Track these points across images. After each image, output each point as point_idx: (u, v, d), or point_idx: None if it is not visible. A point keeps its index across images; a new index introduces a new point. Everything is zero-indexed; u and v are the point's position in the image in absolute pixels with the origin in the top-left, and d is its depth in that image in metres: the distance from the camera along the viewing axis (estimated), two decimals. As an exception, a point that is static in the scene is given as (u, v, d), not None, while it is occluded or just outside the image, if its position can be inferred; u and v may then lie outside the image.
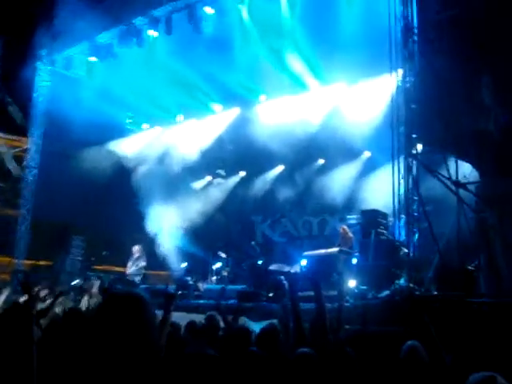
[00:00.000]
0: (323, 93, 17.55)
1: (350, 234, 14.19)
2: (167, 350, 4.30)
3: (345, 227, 14.53)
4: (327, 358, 4.57)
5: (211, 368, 4.05)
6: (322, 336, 5.26)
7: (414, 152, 10.64)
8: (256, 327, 6.78)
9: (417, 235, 10.57)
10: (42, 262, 17.86)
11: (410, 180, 10.50)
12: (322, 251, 13.80)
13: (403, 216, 11.08)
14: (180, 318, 7.66)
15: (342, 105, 16.91)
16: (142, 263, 16.46)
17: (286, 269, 15.46)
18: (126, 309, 2.10)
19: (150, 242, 18.79)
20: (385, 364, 5.21)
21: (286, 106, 18.24)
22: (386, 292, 10.40)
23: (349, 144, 16.09)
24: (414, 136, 10.65)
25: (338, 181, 17.21)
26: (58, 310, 7.94)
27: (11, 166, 20.48)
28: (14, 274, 17.46)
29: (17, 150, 20.80)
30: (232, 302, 13.10)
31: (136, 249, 16.66)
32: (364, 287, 11.21)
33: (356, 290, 11.13)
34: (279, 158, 19.03)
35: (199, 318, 8.05)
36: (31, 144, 19.42)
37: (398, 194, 10.81)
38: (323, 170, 18.73)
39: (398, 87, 10.97)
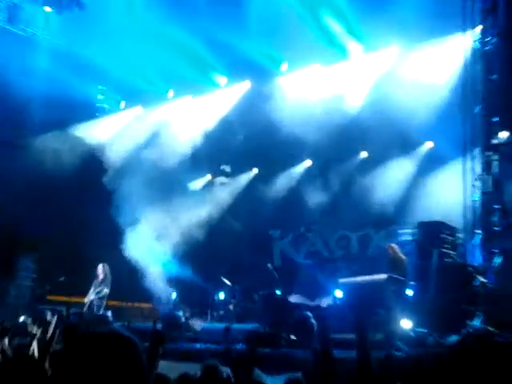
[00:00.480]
0: (368, 61, 17.46)
1: (402, 255, 14.08)
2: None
3: (394, 246, 14.40)
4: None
5: None
6: None
7: (496, 142, 10.50)
8: (271, 381, 6.73)
9: (499, 259, 10.43)
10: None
11: (490, 181, 10.36)
12: (365, 278, 13.70)
13: (479, 231, 10.95)
14: (168, 368, 7.56)
15: (393, 77, 16.78)
16: (105, 290, 16.42)
17: (315, 302, 15.40)
18: (109, 356, 2.05)
19: (128, 263, 18.75)
20: None
21: (316, 78, 18.15)
22: (455, 337, 10.26)
23: (402, 131, 15.97)
24: (494, 120, 10.51)
25: (387, 181, 17.09)
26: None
27: None
28: None
29: None
30: (239, 346, 13.05)
31: (100, 268, 16.64)
32: (423, 330, 11.10)
33: (412, 334, 11.03)
34: (306, 149, 18.95)
35: (194, 368, 7.95)
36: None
37: (472, 201, 10.68)
38: (366, 166, 18.62)
39: (473, 52, 10.84)
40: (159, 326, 15.03)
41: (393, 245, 14.51)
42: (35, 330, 8.63)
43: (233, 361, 6.57)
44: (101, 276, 16.57)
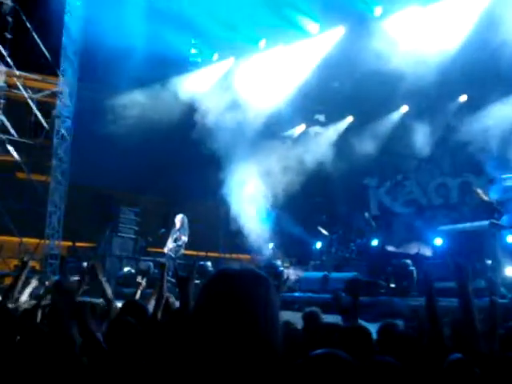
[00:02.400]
0: (466, 4, 16.72)
1: (486, 197, 13.74)
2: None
3: (478, 190, 14.06)
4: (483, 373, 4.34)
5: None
6: (469, 345, 4.97)
7: None
8: (373, 329, 6.61)
9: None
10: (82, 244, 18.41)
11: None
12: (466, 225, 13.40)
13: None
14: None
15: (494, 15, 15.96)
16: (183, 237, 16.50)
17: (414, 250, 15.19)
18: (255, 290, 2.07)
19: (225, 214, 18.92)
20: None
21: (412, 20, 17.53)
22: None
23: (505, 71, 15.26)
24: None
25: (490, 124, 16.45)
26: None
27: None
28: (46, 260, 18.08)
29: (43, 93, 20.58)
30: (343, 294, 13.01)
31: (178, 218, 16.71)
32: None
33: (516, 281, 10.72)
34: (402, 94, 18.40)
35: (294, 316, 7.91)
36: (63, 85, 19.63)
37: None
38: (467, 109, 17.98)
39: None
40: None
41: (478, 190, 14.16)
42: (140, 279, 8.81)
43: (342, 307, 6.50)
44: (178, 225, 16.64)
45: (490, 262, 11.70)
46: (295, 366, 2.96)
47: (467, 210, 17.87)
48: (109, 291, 6.35)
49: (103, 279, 6.19)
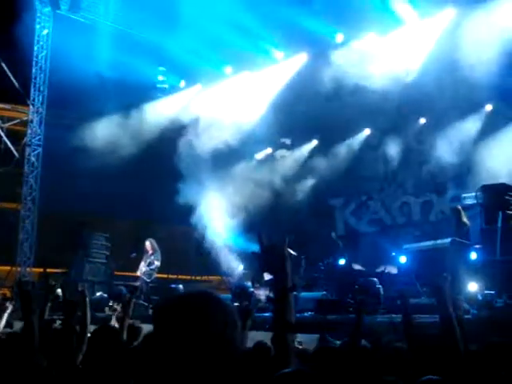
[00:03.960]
0: (423, 27, 17.07)
1: (465, 219, 13.86)
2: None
3: (459, 208, 14.20)
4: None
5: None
6: (454, 361, 5.03)
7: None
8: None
9: None
10: (53, 270, 18.25)
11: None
12: (429, 243, 13.54)
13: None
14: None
15: (449, 40, 16.34)
16: (156, 262, 16.64)
17: (380, 268, 15.30)
18: (204, 316, 2.00)
19: (196, 237, 18.94)
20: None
21: (373, 47, 17.83)
22: (524, 297, 10.09)
23: (462, 94, 15.58)
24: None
25: (448, 146, 16.74)
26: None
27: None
28: (17, 287, 17.89)
29: (13, 122, 20.57)
30: (308, 314, 13.08)
31: (148, 244, 16.84)
32: (490, 292, 10.91)
33: (479, 297, 10.84)
34: (364, 118, 18.72)
35: (266, 336, 7.96)
36: (33, 114, 19.53)
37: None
38: (426, 132, 18.29)
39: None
40: (229, 297, 15.20)
41: (458, 207, 14.29)
42: (115, 305, 8.84)
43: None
44: (150, 251, 16.78)
45: (453, 278, 11.82)
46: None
47: (430, 228, 18.12)
48: (88, 317, 6.37)
49: (88, 304, 6.23)
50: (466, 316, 10.15)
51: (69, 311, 6.04)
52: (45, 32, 19.41)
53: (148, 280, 16.61)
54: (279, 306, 3.68)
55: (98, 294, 17.28)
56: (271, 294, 13.71)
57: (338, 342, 7.05)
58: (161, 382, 1.99)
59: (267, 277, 13.76)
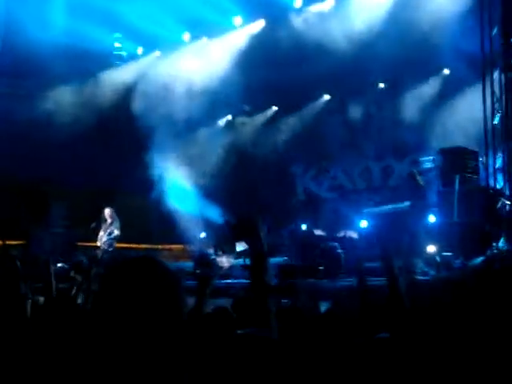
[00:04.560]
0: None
1: (421, 182, 14.05)
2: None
3: (414, 171, 14.36)
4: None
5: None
6: (400, 324, 5.17)
7: (514, 63, 10.27)
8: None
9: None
10: (9, 242, 18.05)
11: (510, 103, 10.16)
12: (388, 207, 13.70)
13: (500, 155, 10.82)
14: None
15: (407, 3, 16.37)
16: (116, 231, 16.55)
17: (340, 234, 15.42)
18: (148, 279, 2.02)
19: (157, 205, 18.84)
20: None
21: (331, 10, 17.84)
22: (480, 258, 10.22)
23: (419, 58, 15.68)
24: (512, 41, 10.26)
25: (407, 110, 16.86)
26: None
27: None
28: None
29: None
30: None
31: (107, 213, 16.72)
32: (448, 253, 11.09)
33: (437, 258, 11.01)
34: (323, 83, 18.72)
35: (227, 303, 7.99)
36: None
37: (492, 124, 10.51)
38: (385, 96, 18.39)
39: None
40: (191, 265, 15.22)
41: (413, 171, 14.46)
42: (75, 275, 8.77)
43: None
44: (109, 220, 16.68)
45: (412, 240, 12.01)
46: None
47: (389, 193, 18.31)
48: (54, 287, 6.35)
49: (53, 274, 6.19)
50: (425, 277, 10.34)
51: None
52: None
53: (109, 249, 16.50)
54: (257, 272, 3.77)
55: (59, 264, 17.14)
56: (247, 261, 13.69)
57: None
58: (109, 345, 1.98)
59: (240, 247, 13.78)
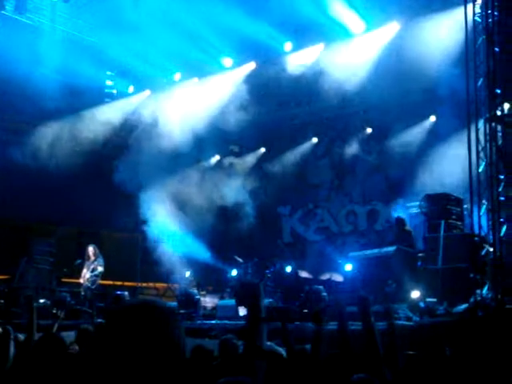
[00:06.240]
0: (370, 38, 17.33)
1: (408, 228, 14.12)
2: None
3: (400, 217, 14.45)
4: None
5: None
6: (374, 367, 5.21)
7: (499, 113, 10.43)
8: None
9: (504, 227, 10.39)
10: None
11: (494, 152, 10.29)
12: (374, 251, 13.72)
13: (484, 202, 10.92)
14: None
15: (394, 53, 16.67)
16: (99, 268, 16.56)
17: (326, 276, 15.42)
18: (147, 327, 2.03)
19: (142, 243, 18.81)
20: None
21: (320, 56, 18.03)
22: (464, 306, 10.28)
23: (407, 105, 15.89)
24: (498, 91, 10.43)
25: (394, 156, 17.03)
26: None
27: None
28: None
29: None
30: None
31: (90, 250, 16.75)
32: (432, 299, 11.11)
33: (421, 304, 11.03)
34: (311, 127, 18.91)
35: (210, 344, 8.00)
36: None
37: (477, 172, 10.63)
38: (372, 141, 18.57)
39: (475, 24, 10.75)
40: (175, 304, 15.14)
41: (399, 216, 14.56)
42: (58, 312, 8.74)
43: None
44: (92, 257, 16.69)
45: (396, 285, 12.04)
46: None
47: (375, 237, 18.38)
48: (35, 323, 6.32)
49: (35, 311, 6.17)
50: (409, 323, 10.36)
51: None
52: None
53: (92, 287, 16.46)
54: (250, 335, 4.03)
55: (42, 300, 17.02)
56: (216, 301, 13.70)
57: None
58: None
59: (243, 312, 13.78)
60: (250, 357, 4.92)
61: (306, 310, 12.96)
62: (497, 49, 10.57)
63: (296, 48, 18.74)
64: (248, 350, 4.72)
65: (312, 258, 18.56)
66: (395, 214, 15.28)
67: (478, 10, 10.90)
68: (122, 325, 2.06)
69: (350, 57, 17.33)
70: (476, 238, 11.55)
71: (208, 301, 16.31)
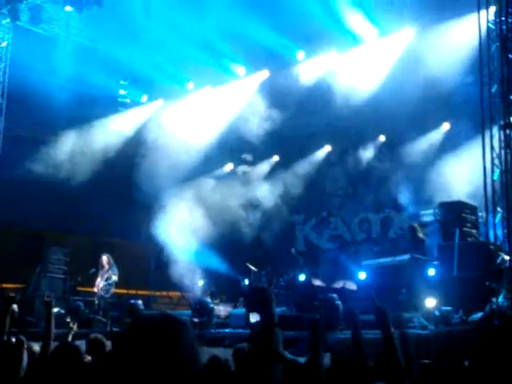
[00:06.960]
0: (383, 45, 17.32)
1: (421, 235, 14.06)
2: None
3: (415, 225, 14.39)
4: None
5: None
6: (395, 377, 5.15)
7: (514, 120, 10.38)
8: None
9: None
10: (10, 285, 17.97)
11: (509, 159, 10.23)
12: (387, 259, 13.67)
13: (500, 209, 10.85)
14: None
15: (408, 60, 16.64)
16: (113, 277, 16.59)
17: (339, 284, 15.35)
18: (164, 339, 2.08)
19: (155, 252, 18.82)
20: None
21: (333, 64, 18.04)
22: (479, 314, 10.21)
23: (421, 112, 15.83)
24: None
25: (407, 163, 16.97)
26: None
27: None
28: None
29: None
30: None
31: (104, 259, 16.78)
32: (447, 308, 11.03)
33: (437, 312, 10.96)
34: (325, 135, 18.88)
35: (224, 352, 7.94)
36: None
37: (492, 180, 10.57)
38: (386, 149, 18.51)
39: (489, 31, 10.71)
40: (188, 313, 15.12)
41: (414, 224, 14.50)
42: (72, 323, 8.71)
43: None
44: (106, 266, 16.72)
45: (410, 294, 11.98)
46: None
47: (389, 245, 18.30)
48: (53, 329, 6.32)
49: (53, 316, 6.20)
50: (424, 332, 10.29)
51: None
52: (4, 44, 19.11)
53: (106, 295, 16.49)
54: (266, 340, 4.02)
55: (56, 309, 17.02)
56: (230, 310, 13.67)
57: (301, 359, 7.09)
58: None
59: (253, 318, 13.71)
60: (264, 363, 4.89)
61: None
62: (511, 55, 10.51)
63: (308, 56, 18.76)
64: (260, 355, 4.68)
65: (325, 266, 18.46)
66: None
67: (491, 16, 10.85)
68: (142, 338, 2.09)
69: (362, 64, 17.34)
70: (491, 246, 11.47)
71: (222, 309, 16.26)
